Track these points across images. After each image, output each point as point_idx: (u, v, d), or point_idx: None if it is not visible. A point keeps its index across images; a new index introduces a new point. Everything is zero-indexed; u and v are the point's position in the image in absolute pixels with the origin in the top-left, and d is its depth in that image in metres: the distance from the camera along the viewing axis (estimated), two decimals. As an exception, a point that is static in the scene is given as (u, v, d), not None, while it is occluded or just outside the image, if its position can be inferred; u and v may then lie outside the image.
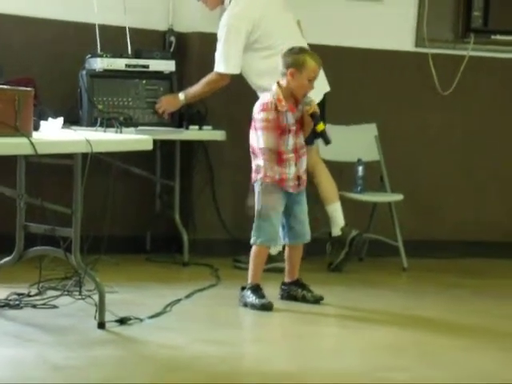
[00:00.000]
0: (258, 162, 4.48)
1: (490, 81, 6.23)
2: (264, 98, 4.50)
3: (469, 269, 5.77)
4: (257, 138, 4.45)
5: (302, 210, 4.55)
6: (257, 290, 4.45)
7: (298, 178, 4.49)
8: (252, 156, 4.52)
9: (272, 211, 4.45)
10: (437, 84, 6.07)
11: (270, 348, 3.83)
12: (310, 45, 4.95)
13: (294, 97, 4.45)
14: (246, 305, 4.44)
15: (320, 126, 4.42)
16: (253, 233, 4.49)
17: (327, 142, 4.48)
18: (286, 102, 4.43)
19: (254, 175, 4.52)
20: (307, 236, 4.58)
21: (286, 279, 4.62)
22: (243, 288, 4.48)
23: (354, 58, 6.00)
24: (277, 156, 4.44)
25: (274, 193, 4.46)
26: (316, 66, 4.44)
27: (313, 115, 4.42)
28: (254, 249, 4.51)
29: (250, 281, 4.49)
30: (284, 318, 4.40)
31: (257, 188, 4.50)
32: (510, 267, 5.96)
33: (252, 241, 4.49)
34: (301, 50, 4.50)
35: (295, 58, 4.44)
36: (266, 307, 4.40)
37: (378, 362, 3.64)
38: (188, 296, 4.56)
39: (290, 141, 4.46)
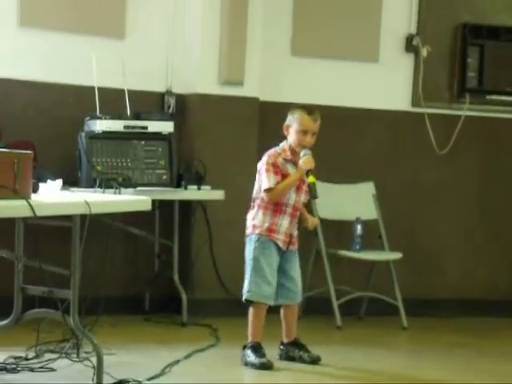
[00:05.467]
0: (252, 215, 4.49)
1: (486, 140, 6.28)
2: (269, 150, 4.55)
3: (469, 328, 5.74)
4: (259, 184, 4.46)
5: (294, 268, 4.54)
6: (257, 348, 4.43)
7: (291, 236, 4.50)
8: (249, 213, 4.53)
9: (267, 268, 4.45)
10: (433, 143, 6.11)
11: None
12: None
13: (296, 153, 4.48)
14: (246, 364, 4.42)
15: (309, 179, 4.42)
16: (247, 288, 4.46)
17: (313, 196, 4.46)
18: (290, 154, 4.48)
19: (248, 230, 4.52)
20: (298, 295, 4.56)
21: (284, 339, 4.60)
22: (244, 347, 4.47)
23: (351, 117, 6.05)
24: (273, 206, 4.46)
25: (268, 248, 4.46)
26: (308, 119, 4.44)
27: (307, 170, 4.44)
28: (251, 309, 4.49)
29: (250, 339, 4.47)
30: (284, 379, 4.36)
31: (251, 243, 4.50)
32: (510, 326, 5.93)
33: (245, 296, 4.47)
34: (298, 106, 4.52)
35: (291, 113, 4.50)
36: (266, 366, 4.37)
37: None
38: (187, 357, 4.53)
39: (292, 194, 4.48)
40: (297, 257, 4.57)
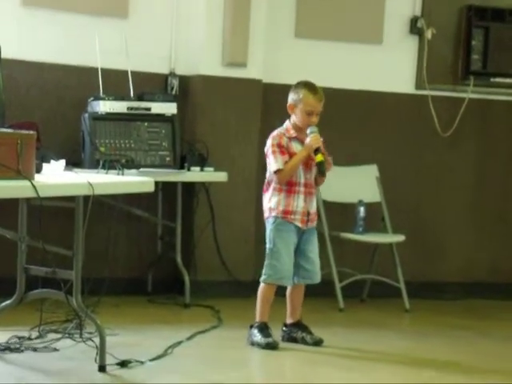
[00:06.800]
0: (268, 198, 4.50)
1: (490, 123, 6.27)
2: (273, 132, 4.55)
3: (472, 310, 5.75)
4: (269, 166, 4.47)
5: (312, 249, 4.54)
6: (263, 328, 4.44)
7: (308, 213, 4.50)
8: (264, 196, 4.53)
9: (283, 249, 4.46)
10: (437, 126, 6.10)
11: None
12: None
13: (302, 130, 4.48)
14: (252, 343, 4.44)
15: (317, 157, 4.43)
16: (263, 271, 4.49)
17: (321, 174, 4.47)
18: (294, 131, 4.47)
19: (265, 214, 4.53)
20: (317, 276, 4.57)
21: (288, 320, 4.61)
22: (251, 326, 4.48)
23: (355, 100, 6.04)
24: (287, 187, 4.46)
25: (285, 231, 4.46)
26: (314, 100, 4.42)
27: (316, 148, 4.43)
28: (261, 286, 4.50)
29: (257, 319, 4.49)
30: (287, 360, 4.38)
31: (268, 226, 4.51)
32: (512, 308, 5.95)
33: (262, 279, 4.49)
34: (302, 84, 4.48)
35: (294, 93, 4.48)
36: (272, 346, 4.39)
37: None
38: (190, 338, 4.54)
39: (301, 172, 4.48)
40: (315, 237, 4.57)
